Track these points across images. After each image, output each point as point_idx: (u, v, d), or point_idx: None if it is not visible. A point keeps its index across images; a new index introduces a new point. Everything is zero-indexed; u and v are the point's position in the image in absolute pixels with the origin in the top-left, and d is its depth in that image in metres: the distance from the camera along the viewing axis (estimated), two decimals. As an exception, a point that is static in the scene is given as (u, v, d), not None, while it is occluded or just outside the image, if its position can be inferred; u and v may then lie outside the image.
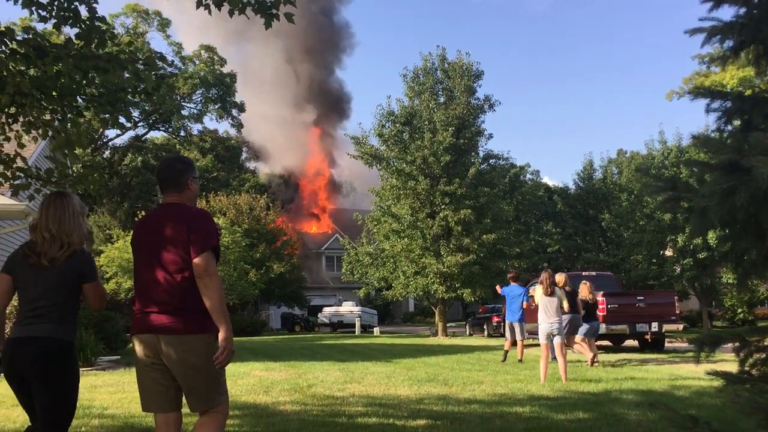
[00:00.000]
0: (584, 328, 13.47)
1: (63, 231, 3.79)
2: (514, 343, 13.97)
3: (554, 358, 12.70)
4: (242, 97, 50.15)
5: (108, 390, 9.23)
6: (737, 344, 2.46)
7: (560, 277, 13.66)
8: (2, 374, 3.83)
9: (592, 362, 12.81)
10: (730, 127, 2.74)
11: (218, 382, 3.73)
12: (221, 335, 3.53)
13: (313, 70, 61.96)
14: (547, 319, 10.23)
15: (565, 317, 13.47)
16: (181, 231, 3.59)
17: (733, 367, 2.84)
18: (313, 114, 62.55)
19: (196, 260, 3.52)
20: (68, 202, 3.89)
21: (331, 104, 64.46)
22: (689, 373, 11.12)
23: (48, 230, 3.77)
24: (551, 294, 10.31)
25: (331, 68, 67.40)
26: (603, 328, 16.16)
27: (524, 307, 13.68)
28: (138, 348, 3.65)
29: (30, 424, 3.83)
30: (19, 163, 6.63)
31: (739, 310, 32.14)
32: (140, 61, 5.78)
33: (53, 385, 3.62)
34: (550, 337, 10.22)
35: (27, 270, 3.76)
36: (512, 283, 14.16)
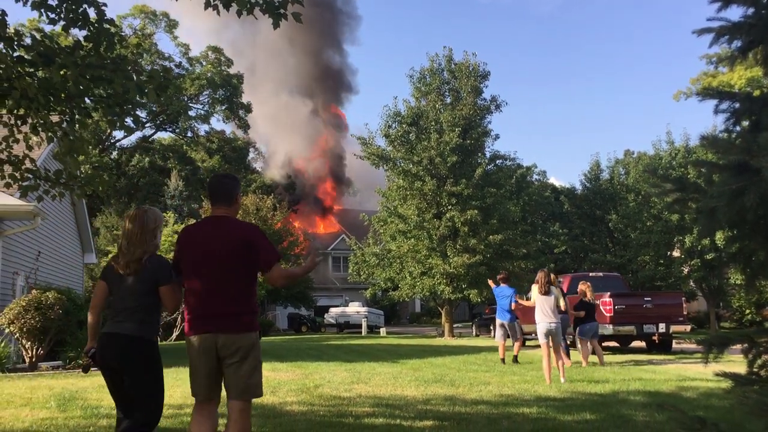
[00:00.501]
0: (581, 329, 13.51)
1: (140, 241, 4.33)
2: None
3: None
4: (247, 91, 50.13)
5: (116, 390, 9.26)
6: (746, 345, 2.45)
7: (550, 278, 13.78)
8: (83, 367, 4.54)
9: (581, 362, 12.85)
10: (738, 128, 2.73)
11: (259, 373, 4.19)
12: (303, 268, 4.52)
13: (317, 54, 62.05)
14: (545, 319, 10.25)
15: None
16: (238, 245, 4.13)
17: (741, 368, 2.83)
18: (317, 103, 62.70)
19: (274, 272, 4.19)
20: (146, 215, 4.43)
21: (335, 87, 64.65)
22: (697, 374, 11.09)
23: (128, 240, 4.34)
24: (547, 293, 10.34)
25: (337, 50, 67.45)
26: (610, 329, 16.13)
27: (512, 308, 13.68)
28: (195, 345, 4.15)
29: (117, 413, 4.39)
30: (28, 164, 6.67)
31: (747, 312, 31.97)
32: (144, 74, 5.81)
33: (137, 376, 4.21)
34: (548, 335, 10.20)
35: (115, 277, 4.36)
36: (502, 284, 14.13)
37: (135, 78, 5.72)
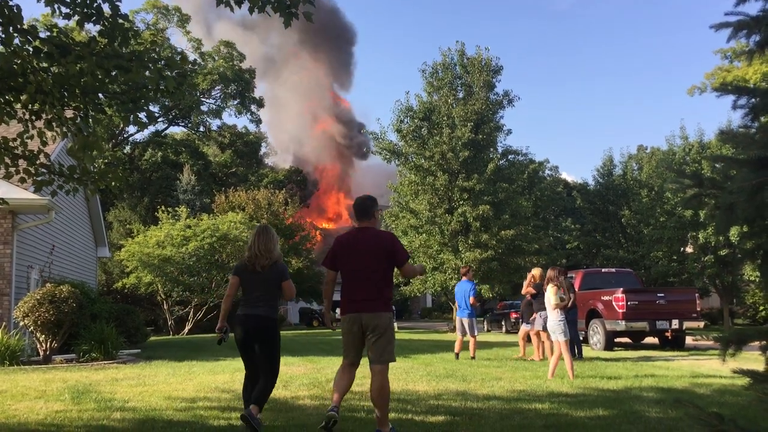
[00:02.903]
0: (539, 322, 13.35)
1: (268, 250, 6.06)
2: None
3: (577, 356, 12.63)
4: (258, 83, 50.27)
5: (129, 383, 9.33)
6: (764, 343, 2.43)
7: (536, 272, 13.65)
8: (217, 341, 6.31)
9: (536, 358, 12.86)
10: (756, 124, 2.70)
11: (392, 345, 5.59)
12: (421, 267, 6.24)
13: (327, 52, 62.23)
14: (547, 315, 10.37)
15: (543, 313, 13.36)
16: (380, 247, 5.65)
17: (757, 366, 2.81)
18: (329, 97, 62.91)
19: (405, 267, 5.77)
20: (271, 232, 6.22)
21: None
22: (710, 370, 11.02)
23: (259, 249, 6.04)
24: (544, 291, 10.42)
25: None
26: (622, 324, 16.06)
27: (471, 303, 13.42)
28: (346, 321, 5.69)
29: (246, 372, 6.13)
30: (42, 159, 6.70)
31: (761, 308, 31.71)
32: (162, 61, 5.81)
33: (267, 344, 5.93)
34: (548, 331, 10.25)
35: (248, 274, 6.07)
36: (463, 278, 13.84)
37: (153, 66, 5.72)
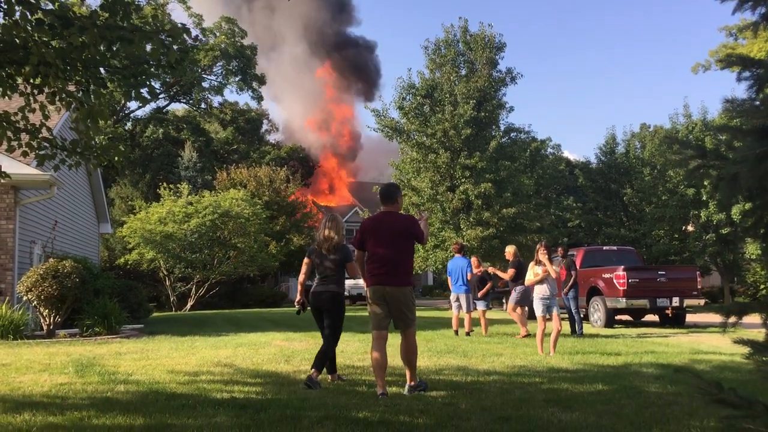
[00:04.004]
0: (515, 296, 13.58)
1: (335, 235, 7.30)
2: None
3: (577, 332, 12.68)
4: (261, 62, 49.99)
5: (132, 357, 9.40)
6: (765, 313, 2.44)
7: (510, 249, 13.86)
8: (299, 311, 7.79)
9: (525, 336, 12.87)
10: (761, 96, 2.68)
11: (413, 313, 6.55)
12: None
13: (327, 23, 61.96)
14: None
15: (519, 287, 13.42)
16: (403, 228, 6.52)
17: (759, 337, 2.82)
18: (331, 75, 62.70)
19: (424, 242, 6.88)
20: (337, 220, 7.50)
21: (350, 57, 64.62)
22: (710, 347, 11.09)
23: (325, 235, 7.30)
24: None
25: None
26: (623, 302, 16.13)
27: (468, 279, 13.59)
28: (373, 293, 6.51)
29: (322, 335, 7.37)
30: (45, 133, 6.69)
31: (762, 286, 31.76)
32: (165, 33, 5.76)
33: (334, 314, 7.27)
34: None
35: (319, 256, 7.33)
36: (456, 255, 14.06)
37: (155, 38, 5.67)
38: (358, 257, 6.84)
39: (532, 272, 10.21)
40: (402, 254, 6.49)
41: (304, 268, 7.47)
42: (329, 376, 7.34)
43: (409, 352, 6.48)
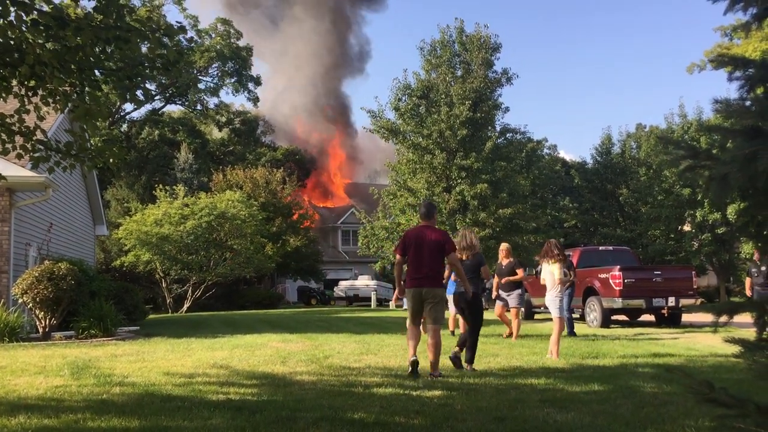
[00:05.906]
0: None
1: (472, 244, 9.02)
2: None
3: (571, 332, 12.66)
4: (257, 63, 50.00)
5: (128, 359, 9.39)
6: (756, 312, 2.45)
7: (504, 246, 13.84)
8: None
9: (511, 336, 12.94)
10: (752, 96, 2.69)
11: (443, 311, 7.91)
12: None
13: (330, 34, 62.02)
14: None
15: (520, 290, 13.40)
16: (438, 240, 7.78)
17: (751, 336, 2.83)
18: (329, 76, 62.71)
19: (453, 254, 7.93)
20: (473, 233, 9.27)
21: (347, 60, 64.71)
22: (705, 348, 11.10)
23: (466, 243, 8.98)
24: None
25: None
26: (619, 302, 16.15)
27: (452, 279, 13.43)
28: (411, 293, 7.82)
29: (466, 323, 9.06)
30: (39, 135, 6.67)
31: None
32: (160, 31, 5.76)
33: (475, 310, 8.71)
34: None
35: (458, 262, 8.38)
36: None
37: (152, 36, 5.66)
38: (399, 262, 8.10)
39: (548, 271, 9.86)
40: (436, 262, 7.77)
41: (397, 268, 8.42)
42: (467, 365, 8.41)
43: (435, 345, 7.63)
